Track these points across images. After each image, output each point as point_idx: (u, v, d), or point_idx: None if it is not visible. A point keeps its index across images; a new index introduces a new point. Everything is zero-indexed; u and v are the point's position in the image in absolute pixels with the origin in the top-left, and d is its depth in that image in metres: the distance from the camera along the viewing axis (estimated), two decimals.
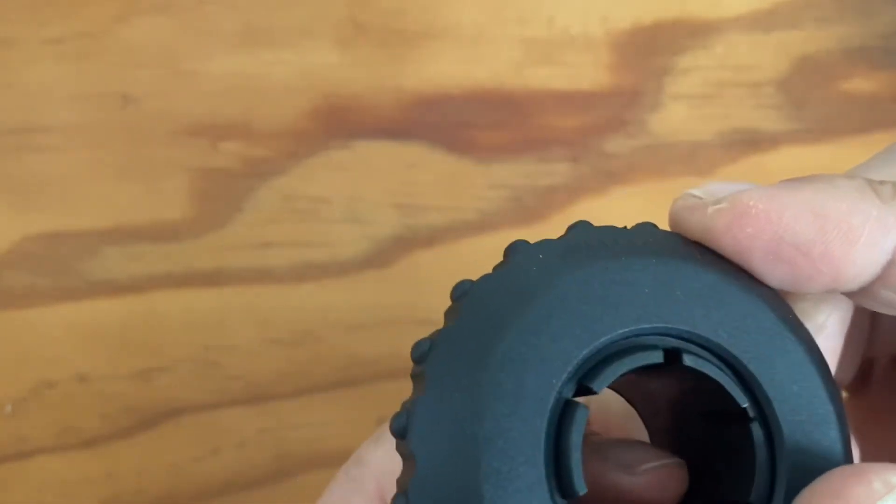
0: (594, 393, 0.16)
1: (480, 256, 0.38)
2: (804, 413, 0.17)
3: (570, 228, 0.18)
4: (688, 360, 0.17)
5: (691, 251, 0.17)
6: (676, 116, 0.37)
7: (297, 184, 0.38)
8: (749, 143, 0.37)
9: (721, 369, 0.17)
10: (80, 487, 0.38)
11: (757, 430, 0.17)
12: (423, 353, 0.17)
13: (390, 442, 0.20)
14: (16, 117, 0.39)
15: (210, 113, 0.38)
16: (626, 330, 0.17)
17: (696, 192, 0.18)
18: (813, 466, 0.17)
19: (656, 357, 0.17)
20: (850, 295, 0.18)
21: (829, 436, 0.17)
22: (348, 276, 0.38)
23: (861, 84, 0.37)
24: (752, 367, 0.17)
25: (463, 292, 0.17)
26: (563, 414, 0.16)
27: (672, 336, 0.17)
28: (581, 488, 0.16)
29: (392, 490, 0.19)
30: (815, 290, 0.17)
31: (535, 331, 0.16)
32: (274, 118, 0.38)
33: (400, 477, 0.18)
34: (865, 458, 0.24)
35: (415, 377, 0.17)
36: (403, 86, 0.38)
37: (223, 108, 0.38)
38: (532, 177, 0.38)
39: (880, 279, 0.17)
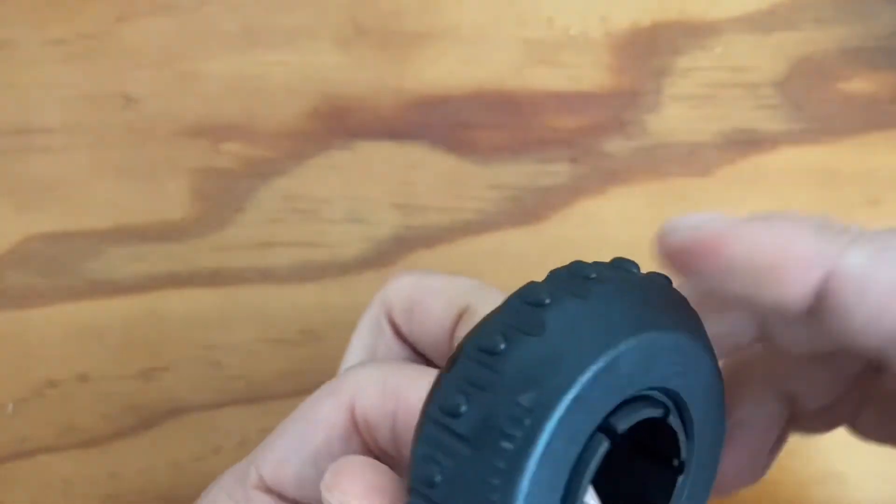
0: (616, 433, 0.19)
1: (480, 256, 0.38)
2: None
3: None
4: (671, 420, 0.21)
5: (674, 311, 0.21)
6: (675, 117, 0.37)
7: (298, 184, 0.38)
8: (748, 143, 0.37)
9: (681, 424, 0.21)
10: (82, 486, 0.38)
11: (680, 482, 0.21)
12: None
13: (375, 368, 0.24)
14: (18, 118, 0.39)
15: (211, 113, 0.39)
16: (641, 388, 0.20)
17: (676, 220, 0.21)
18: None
19: (658, 412, 0.20)
20: (804, 321, 0.21)
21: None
22: (348, 276, 0.38)
23: (859, 85, 0.37)
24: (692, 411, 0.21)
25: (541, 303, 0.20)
26: (587, 446, 0.19)
27: (657, 389, 0.20)
28: None
29: (364, 408, 0.23)
30: (770, 305, 0.20)
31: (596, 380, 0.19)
32: (275, 119, 0.38)
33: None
34: None
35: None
36: (404, 86, 0.38)
37: (224, 109, 0.39)
38: (532, 177, 0.38)
39: (822, 300, 0.20)
